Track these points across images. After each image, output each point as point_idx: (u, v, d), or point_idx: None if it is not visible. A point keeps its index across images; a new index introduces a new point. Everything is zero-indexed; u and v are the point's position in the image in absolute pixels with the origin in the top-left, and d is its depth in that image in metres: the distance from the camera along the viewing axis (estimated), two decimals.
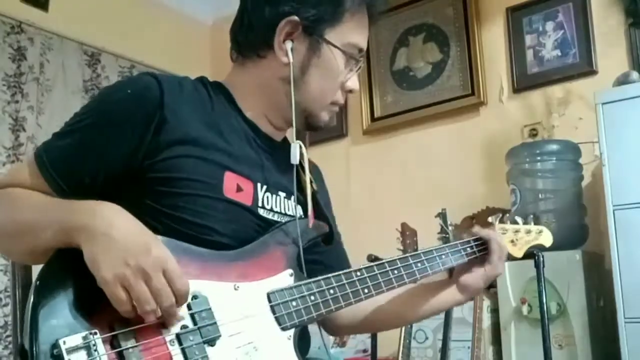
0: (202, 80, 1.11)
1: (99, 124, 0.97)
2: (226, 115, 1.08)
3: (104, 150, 0.96)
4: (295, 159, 1.08)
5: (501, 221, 1.35)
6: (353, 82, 1.13)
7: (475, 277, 1.22)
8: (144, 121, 0.96)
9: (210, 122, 1.04)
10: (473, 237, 1.25)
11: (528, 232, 1.37)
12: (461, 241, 1.23)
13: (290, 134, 1.21)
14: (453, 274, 1.25)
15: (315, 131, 1.18)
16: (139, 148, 0.96)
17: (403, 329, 1.97)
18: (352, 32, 1.10)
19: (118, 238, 0.81)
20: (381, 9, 1.16)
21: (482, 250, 1.24)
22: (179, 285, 0.83)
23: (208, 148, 1.01)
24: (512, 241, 1.33)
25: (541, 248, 1.44)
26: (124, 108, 0.97)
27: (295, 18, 1.07)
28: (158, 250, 0.83)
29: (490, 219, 1.33)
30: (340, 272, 1.05)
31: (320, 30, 1.08)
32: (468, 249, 1.23)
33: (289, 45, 1.08)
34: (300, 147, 1.10)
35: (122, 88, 1.01)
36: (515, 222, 1.37)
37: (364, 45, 1.13)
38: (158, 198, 0.97)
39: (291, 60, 1.07)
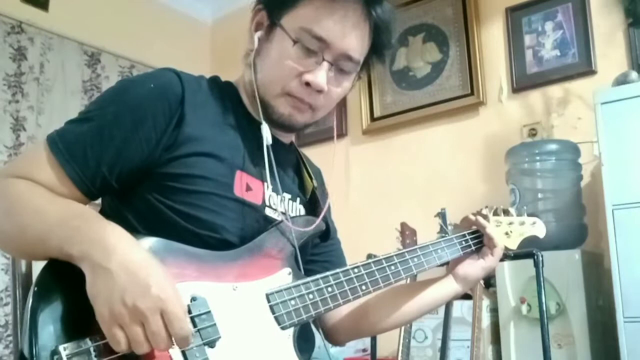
0: (215, 79, 1.12)
1: (120, 115, 0.95)
2: (236, 115, 1.09)
3: (125, 141, 0.94)
4: (267, 140, 1.06)
5: (495, 213, 1.35)
6: (312, 75, 1.03)
7: (475, 267, 1.23)
8: (166, 115, 0.97)
9: (222, 121, 1.05)
10: (468, 231, 1.26)
11: (522, 223, 1.38)
12: (457, 235, 1.24)
13: (295, 138, 1.22)
14: (450, 266, 1.25)
15: (286, 130, 1.13)
16: (159, 142, 0.96)
17: (402, 328, 1.98)
18: (307, 18, 1.02)
19: (117, 274, 0.78)
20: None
21: (478, 243, 1.25)
22: (178, 328, 0.79)
23: (221, 147, 1.01)
24: (506, 233, 1.33)
25: (537, 245, 1.44)
26: (148, 101, 0.97)
27: (261, 6, 1.08)
28: (158, 289, 0.79)
29: (484, 211, 1.33)
30: (338, 270, 1.05)
31: (277, 15, 1.06)
32: (463, 242, 1.24)
33: (257, 34, 1.08)
34: (270, 128, 1.08)
35: (145, 82, 1.00)
36: (510, 214, 1.38)
37: (322, 33, 1.02)
38: (168, 194, 0.97)
39: (255, 46, 1.08)
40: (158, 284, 0.79)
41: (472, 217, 1.27)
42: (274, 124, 1.09)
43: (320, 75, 1.03)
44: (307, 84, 1.03)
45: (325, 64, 1.04)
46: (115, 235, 0.83)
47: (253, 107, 1.11)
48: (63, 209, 0.88)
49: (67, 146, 0.92)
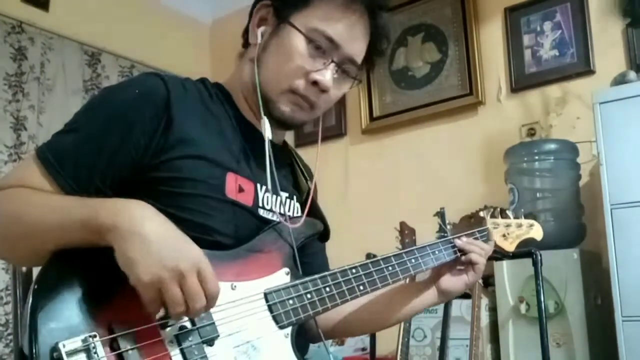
0: (203, 81, 1.12)
1: (107, 123, 0.95)
2: (226, 116, 1.09)
3: (115, 151, 0.94)
4: (267, 133, 1.07)
5: (493, 216, 1.36)
6: (320, 75, 1.05)
7: (458, 282, 1.24)
8: (153, 121, 0.96)
9: (212, 123, 1.05)
10: (466, 232, 1.27)
11: (519, 226, 1.39)
12: (454, 236, 1.26)
13: (288, 136, 1.22)
14: (433, 277, 1.26)
15: (283, 127, 1.13)
16: (148, 147, 0.96)
17: (401, 327, 1.98)
18: (319, 19, 1.05)
19: (153, 239, 0.81)
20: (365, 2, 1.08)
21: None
22: (211, 286, 0.83)
23: (211, 149, 1.01)
24: (504, 235, 1.34)
25: (535, 244, 1.45)
26: (134, 108, 0.96)
27: (268, 2, 1.09)
28: (192, 249, 0.84)
29: (482, 214, 1.34)
30: (336, 270, 1.06)
31: (286, 13, 1.07)
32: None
33: (261, 29, 1.09)
34: (268, 122, 1.08)
35: (129, 88, 1.00)
36: (507, 217, 1.39)
37: (334, 35, 1.05)
38: (160, 198, 0.96)
39: (258, 41, 1.09)
40: (189, 244, 0.84)
41: (459, 242, 1.25)
42: (273, 121, 1.09)
43: (328, 76, 1.06)
44: (315, 83, 1.06)
45: (332, 65, 1.07)
46: (141, 205, 0.86)
47: (247, 108, 1.12)
48: (76, 197, 0.89)
49: (58, 159, 0.92)
